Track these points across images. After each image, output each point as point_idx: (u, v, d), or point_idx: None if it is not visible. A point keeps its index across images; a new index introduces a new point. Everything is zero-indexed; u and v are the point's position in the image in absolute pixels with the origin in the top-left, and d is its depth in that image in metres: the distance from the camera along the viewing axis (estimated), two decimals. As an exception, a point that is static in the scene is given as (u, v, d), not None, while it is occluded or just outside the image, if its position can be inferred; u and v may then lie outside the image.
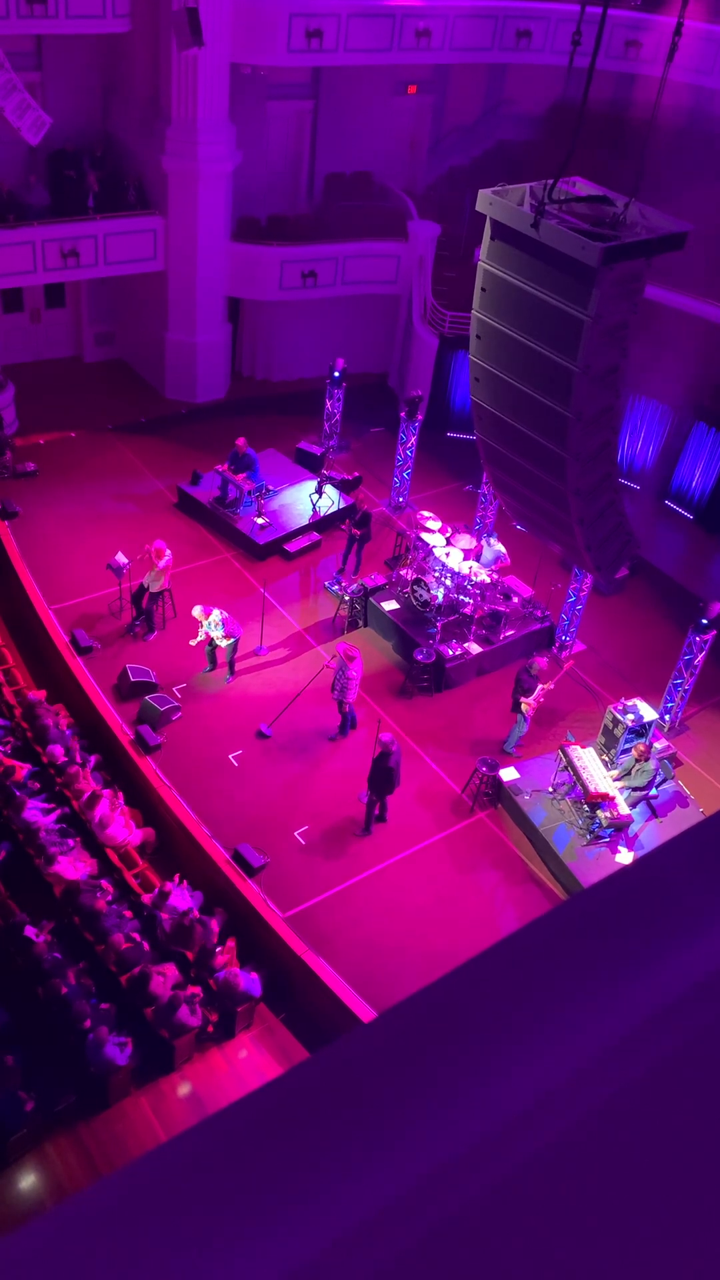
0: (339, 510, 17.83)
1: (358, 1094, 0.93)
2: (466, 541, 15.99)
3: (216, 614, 14.31)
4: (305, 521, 17.65)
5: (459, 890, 12.49)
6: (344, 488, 18.39)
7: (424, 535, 16.11)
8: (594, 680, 15.57)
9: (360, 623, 16.00)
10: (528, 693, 13.59)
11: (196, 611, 14.34)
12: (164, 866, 12.23)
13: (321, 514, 17.77)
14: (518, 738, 14.12)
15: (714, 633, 13.65)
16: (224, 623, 14.32)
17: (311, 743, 14.06)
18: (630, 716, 13.36)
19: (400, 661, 15.44)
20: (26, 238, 18.26)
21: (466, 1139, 0.90)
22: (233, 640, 14.45)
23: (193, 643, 14.67)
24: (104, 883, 11.48)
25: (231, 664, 14.77)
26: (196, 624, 14.69)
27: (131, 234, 19.23)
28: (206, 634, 14.43)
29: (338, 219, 20.74)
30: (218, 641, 14.48)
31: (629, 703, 13.60)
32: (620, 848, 12.81)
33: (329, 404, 18.88)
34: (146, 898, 11.44)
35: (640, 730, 13.41)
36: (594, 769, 12.95)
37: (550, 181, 11.09)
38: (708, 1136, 0.92)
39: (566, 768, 13.11)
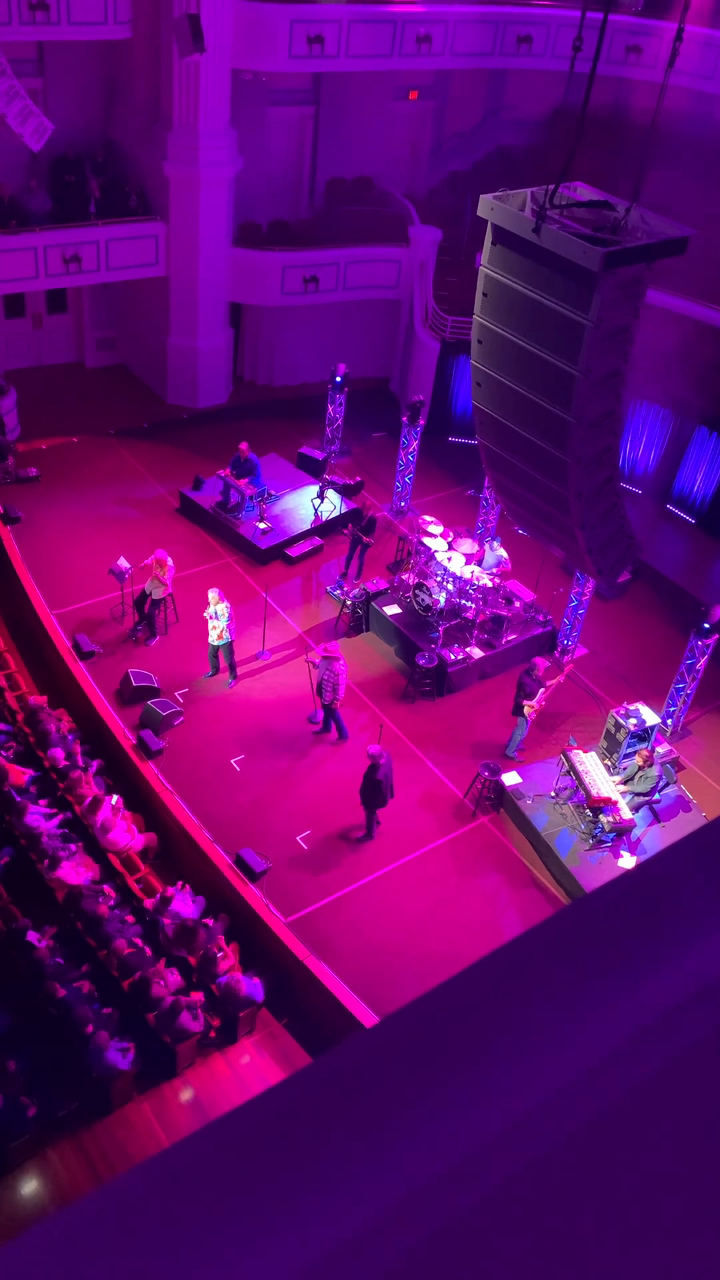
0: (341, 515, 17.85)
1: (360, 1099, 0.93)
2: (468, 546, 15.99)
3: (226, 606, 14.27)
4: (307, 526, 17.67)
5: (461, 894, 12.48)
6: (346, 492, 18.41)
7: (426, 540, 16.11)
8: (596, 684, 15.56)
9: (364, 627, 16.00)
10: (530, 696, 13.59)
11: (213, 594, 14.31)
12: (166, 871, 12.23)
13: (323, 519, 17.78)
14: (519, 741, 14.11)
15: (716, 637, 13.64)
16: (229, 619, 14.29)
17: (314, 748, 14.06)
18: (632, 720, 13.36)
19: (402, 666, 15.44)
20: (28, 243, 18.30)
21: (468, 1143, 0.90)
22: (227, 641, 14.44)
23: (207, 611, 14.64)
24: (106, 888, 11.47)
25: (233, 667, 14.77)
26: (200, 628, 14.69)
27: (133, 239, 19.26)
28: (213, 615, 14.35)
29: (339, 224, 20.77)
30: (212, 640, 14.46)
31: (631, 707, 13.59)
32: (623, 852, 12.80)
33: (331, 409, 18.90)
34: (149, 903, 11.44)
35: (642, 734, 13.40)
36: (596, 773, 12.94)
37: (551, 186, 11.10)
38: (710, 1141, 0.92)
39: (569, 772, 13.10)
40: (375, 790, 12.47)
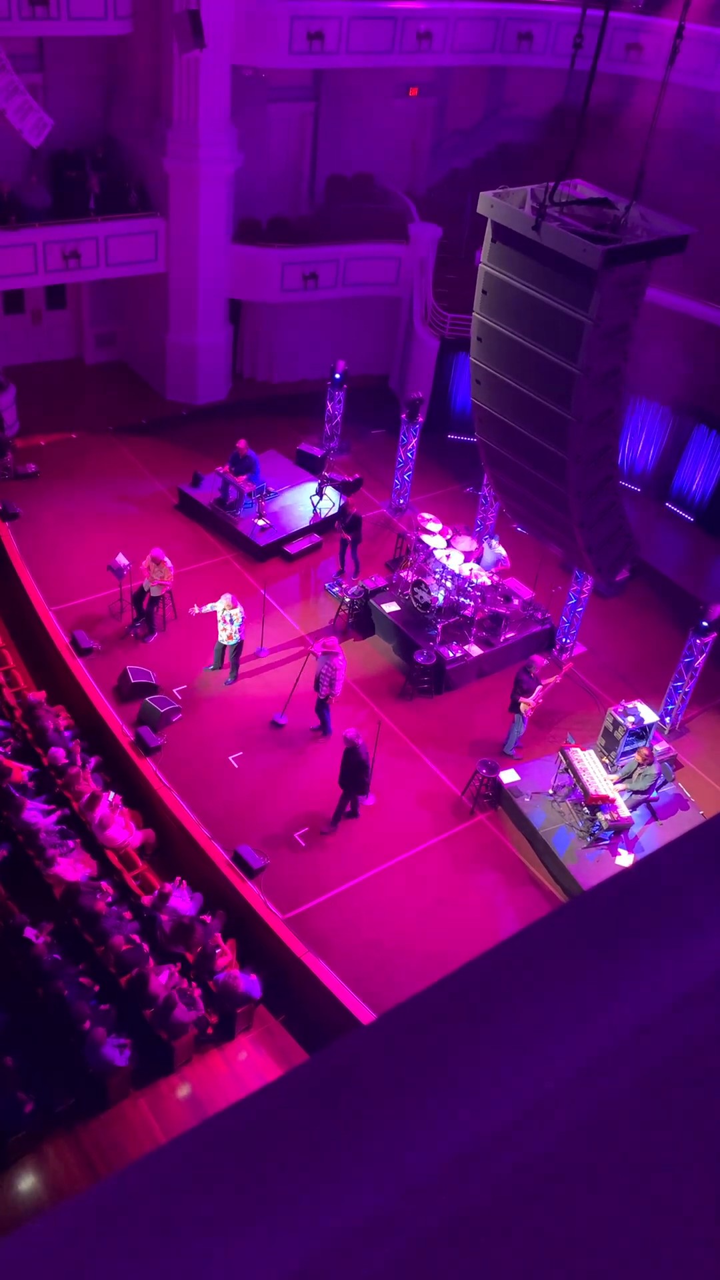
0: (339, 512, 17.85)
1: (357, 1096, 0.93)
2: (467, 544, 15.99)
3: (240, 612, 14.28)
4: (306, 523, 17.66)
5: (459, 892, 12.48)
6: (344, 489, 18.39)
7: (424, 537, 16.11)
8: (594, 682, 15.57)
9: (371, 630, 15.96)
10: (527, 693, 13.59)
11: (226, 598, 14.29)
12: (164, 868, 12.23)
13: (322, 516, 17.78)
14: (516, 739, 14.12)
15: (714, 635, 13.65)
16: (242, 622, 14.33)
17: (311, 744, 14.06)
18: (630, 719, 13.36)
19: (401, 663, 15.44)
20: (28, 239, 18.28)
21: (465, 1141, 0.90)
22: (238, 641, 14.45)
23: (196, 609, 14.61)
24: (104, 884, 11.48)
25: (235, 666, 14.77)
26: (198, 624, 14.68)
27: (133, 236, 19.24)
28: (214, 613, 14.34)
29: (339, 221, 20.75)
30: (222, 639, 14.48)
31: (629, 705, 13.60)
32: (620, 850, 12.80)
33: (330, 406, 18.89)
34: (146, 899, 11.44)
35: (640, 733, 13.40)
36: (594, 771, 12.95)
37: (551, 184, 11.10)
38: (707, 1139, 0.92)
39: (567, 770, 13.11)
40: (361, 772, 12.49)
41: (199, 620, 14.75)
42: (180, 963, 10.96)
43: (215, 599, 14.44)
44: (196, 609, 14.57)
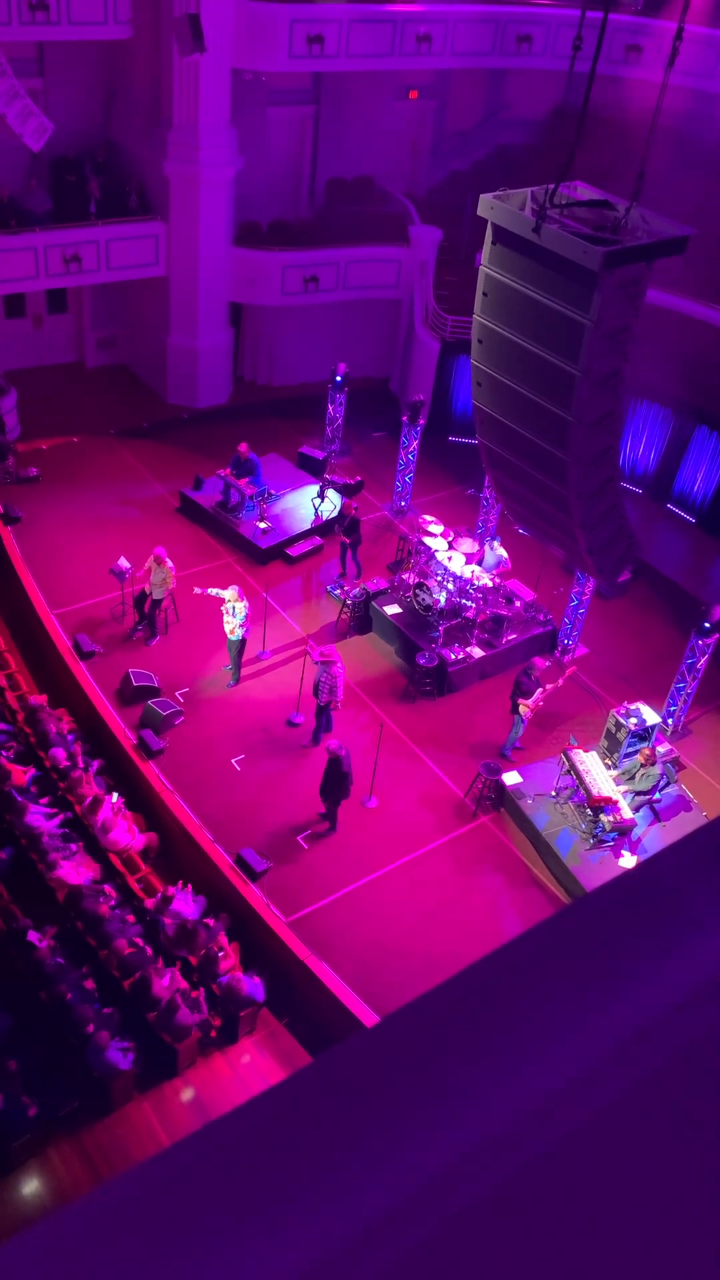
0: (337, 515, 17.86)
1: (360, 1099, 0.93)
2: (468, 546, 15.99)
3: (244, 605, 14.31)
4: (307, 526, 17.67)
5: (461, 894, 12.48)
6: (346, 492, 18.40)
7: (426, 539, 16.11)
8: (596, 684, 15.56)
9: (369, 626, 15.98)
10: (526, 694, 13.59)
11: (232, 590, 14.33)
12: (167, 871, 12.24)
13: (324, 518, 17.79)
14: (514, 740, 14.12)
15: (716, 636, 13.64)
16: (245, 617, 14.34)
17: (314, 747, 14.05)
18: (633, 720, 13.36)
19: (403, 665, 15.44)
20: (29, 243, 18.30)
21: (468, 1143, 0.90)
22: (240, 637, 14.42)
23: (197, 590, 14.69)
24: (107, 888, 11.47)
25: (237, 668, 14.77)
26: (200, 626, 14.67)
27: (133, 239, 19.26)
28: (221, 600, 14.37)
29: (339, 223, 20.77)
30: (229, 633, 14.45)
31: (631, 706, 13.59)
32: (623, 851, 12.80)
33: (331, 408, 18.90)
34: (149, 903, 11.44)
35: (643, 734, 13.40)
36: (597, 773, 12.94)
37: (551, 186, 11.10)
38: (709, 1139, 0.92)
39: (569, 771, 13.10)
40: (343, 783, 12.50)
41: (200, 623, 14.73)
42: (183, 966, 10.95)
43: (240, 597, 14.46)
44: (199, 590, 14.60)
